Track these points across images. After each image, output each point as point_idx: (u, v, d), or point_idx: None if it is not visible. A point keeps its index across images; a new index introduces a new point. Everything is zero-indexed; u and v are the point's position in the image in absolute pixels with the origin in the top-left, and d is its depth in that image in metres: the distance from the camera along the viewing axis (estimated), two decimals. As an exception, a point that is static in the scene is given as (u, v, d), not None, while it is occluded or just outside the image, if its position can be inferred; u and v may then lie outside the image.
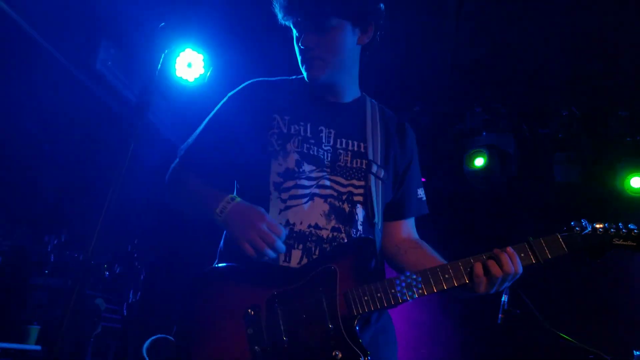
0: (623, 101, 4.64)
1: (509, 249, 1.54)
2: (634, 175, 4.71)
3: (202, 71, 3.84)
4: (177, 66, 3.80)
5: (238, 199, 1.61)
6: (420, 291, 1.54)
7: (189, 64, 3.82)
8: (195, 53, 3.84)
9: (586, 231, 1.57)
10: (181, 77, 3.82)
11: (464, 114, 4.83)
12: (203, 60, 3.86)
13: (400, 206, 1.86)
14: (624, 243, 1.56)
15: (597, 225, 1.59)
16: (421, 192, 1.89)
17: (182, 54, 3.82)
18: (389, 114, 1.91)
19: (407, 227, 1.88)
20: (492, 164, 4.59)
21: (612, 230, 1.58)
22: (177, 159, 1.82)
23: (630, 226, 1.59)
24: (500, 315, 3.31)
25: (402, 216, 1.86)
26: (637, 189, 4.69)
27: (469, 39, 4.08)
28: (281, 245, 1.54)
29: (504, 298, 3.35)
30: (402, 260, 1.79)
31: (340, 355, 1.49)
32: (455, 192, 5.27)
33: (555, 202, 5.23)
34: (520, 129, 4.72)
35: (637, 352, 3.44)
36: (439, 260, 1.70)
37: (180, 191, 1.76)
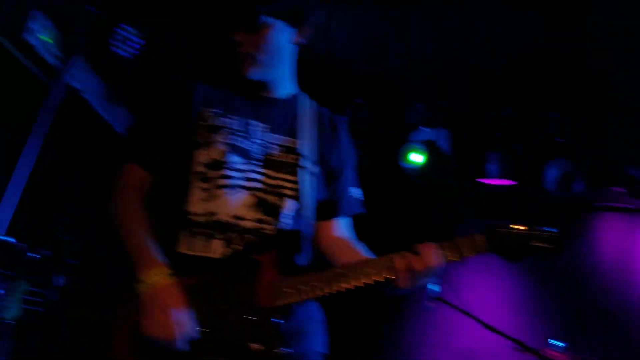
0: (556, 102, 4.84)
1: (431, 244, 1.57)
2: (564, 176, 4.90)
3: (137, 48, 3.78)
4: (112, 42, 3.73)
5: (166, 277, 1.55)
6: (341, 285, 1.55)
7: (125, 40, 3.76)
8: (130, 29, 3.78)
9: (507, 232, 1.58)
10: (117, 54, 3.76)
11: (404, 108, 4.91)
12: (138, 36, 3.80)
13: (333, 205, 1.86)
14: (543, 245, 1.58)
15: (519, 227, 1.60)
16: (356, 191, 1.90)
17: (117, 29, 3.75)
18: (324, 111, 1.92)
19: (341, 226, 1.88)
20: (428, 159, 4.68)
21: (531, 232, 1.59)
22: (123, 154, 1.78)
23: (549, 229, 1.61)
24: (427, 303, 3.39)
25: (335, 215, 1.86)
26: (567, 188, 4.89)
27: (415, 34, 4.15)
28: (181, 345, 1.50)
29: (432, 286, 3.43)
30: (335, 261, 1.79)
31: (257, 347, 1.48)
32: (393, 187, 5.36)
33: (488, 199, 5.39)
34: (457, 126, 4.83)
35: (552, 341, 3.60)
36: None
37: (116, 215, 1.71)
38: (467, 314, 3.32)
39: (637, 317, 5.08)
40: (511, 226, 1.59)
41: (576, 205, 5.28)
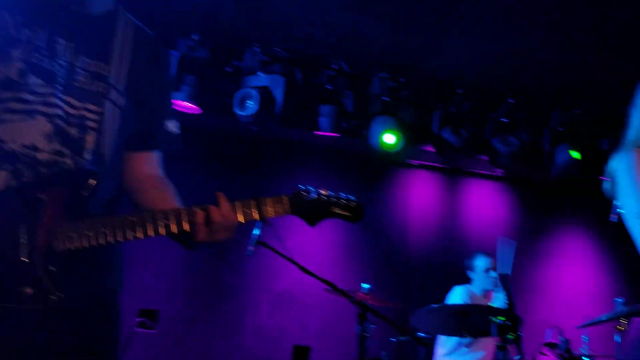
0: (384, 63, 5.12)
1: (233, 202, 1.55)
2: (387, 132, 5.24)
3: None
4: None
5: None
6: (135, 234, 1.47)
7: None
8: None
9: (311, 196, 1.63)
10: None
11: (242, 51, 4.83)
12: None
13: (145, 138, 1.71)
14: (341, 212, 1.65)
15: (322, 192, 1.65)
16: (172, 125, 1.76)
17: None
18: (146, 34, 1.73)
19: (151, 162, 1.74)
20: (261, 107, 4.65)
21: (333, 199, 1.65)
22: None
23: (350, 197, 1.68)
24: (250, 247, 3.45)
25: (146, 148, 1.72)
26: (390, 144, 5.23)
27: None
28: None
29: (256, 231, 3.49)
30: (139, 198, 1.68)
31: (29, 291, 1.37)
32: (225, 132, 5.29)
33: (317, 152, 5.59)
34: (293, 75, 4.87)
35: (365, 285, 3.90)
36: (175, 204, 1.63)
37: None
38: (287, 258, 3.44)
39: (436, 266, 5.72)
40: (316, 191, 1.64)
41: (394, 161, 5.69)
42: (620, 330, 3.81)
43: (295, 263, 3.47)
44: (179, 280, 5.00)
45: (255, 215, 1.55)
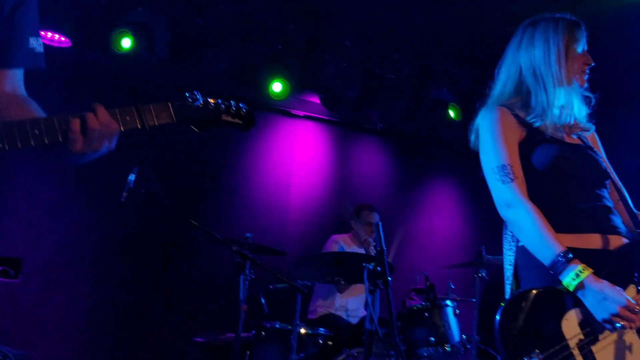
0: (288, 11, 4.97)
1: (112, 108, 1.45)
2: (276, 81, 5.17)
3: None
4: None
5: None
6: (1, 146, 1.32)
7: None
8: None
9: (198, 103, 1.56)
10: None
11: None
12: None
13: (4, 53, 1.55)
14: (232, 120, 1.60)
15: (210, 100, 1.59)
16: (35, 43, 1.60)
17: None
18: None
19: (13, 79, 1.59)
20: (139, 46, 4.33)
21: (223, 106, 1.60)
22: None
23: (241, 105, 1.64)
24: (124, 193, 3.28)
25: (6, 65, 1.56)
26: (277, 93, 5.18)
27: None
28: None
29: (131, 177, 3.32)
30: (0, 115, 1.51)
31: None
32: (102, 70, 4.91)
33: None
34: (177, 13, 4.59)
35: (248, 234, 3.90)
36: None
37: None
38: (165, 205, 3.32)
39: (317, 216, 5.83)
40: (203, 98, 1.58)
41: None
42: (480, 276, 4.16)
43: (175, 211, 3.36)
44: (44, 229, 4.66)
45: (137, 123, 1.46)
